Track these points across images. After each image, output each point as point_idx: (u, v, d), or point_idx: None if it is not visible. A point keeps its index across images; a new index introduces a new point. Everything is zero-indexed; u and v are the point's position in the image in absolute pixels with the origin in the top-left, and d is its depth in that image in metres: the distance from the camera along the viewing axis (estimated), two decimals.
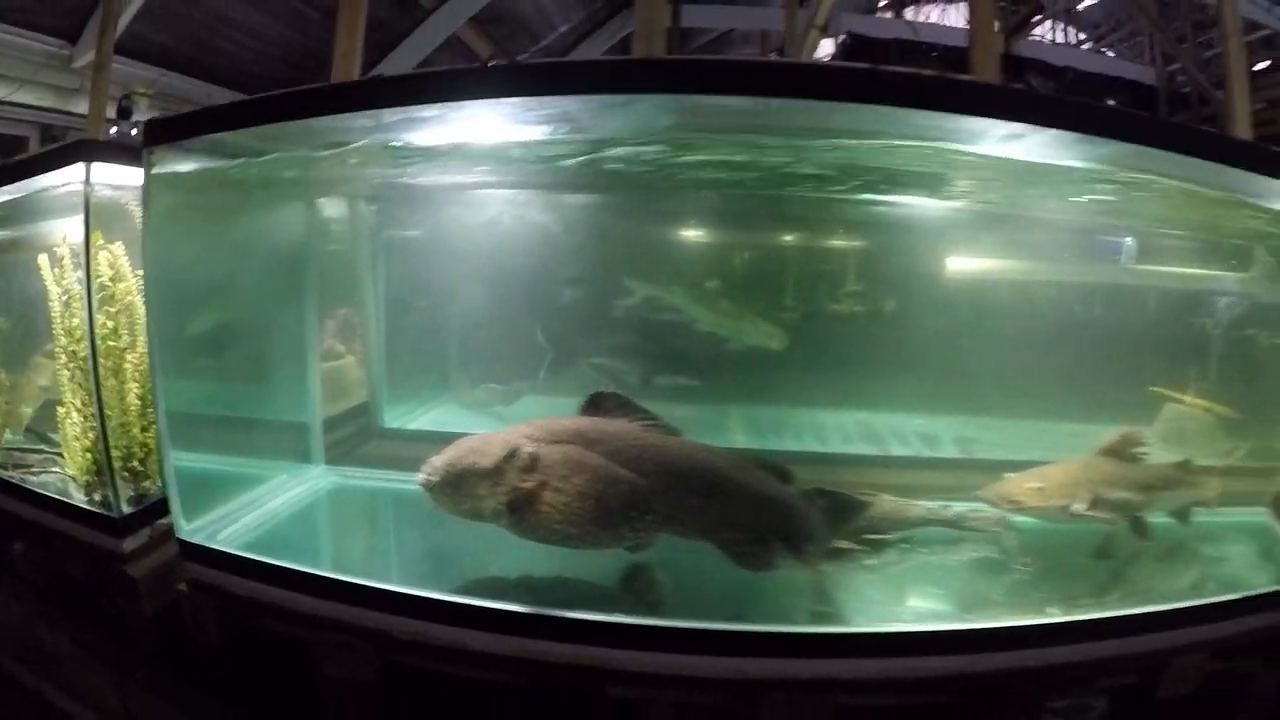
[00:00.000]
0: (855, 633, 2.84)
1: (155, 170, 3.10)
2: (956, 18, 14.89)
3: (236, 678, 3.29)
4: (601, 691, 2.60)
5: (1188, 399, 5.03)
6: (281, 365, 3.97)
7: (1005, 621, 3.03)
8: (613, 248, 4.77)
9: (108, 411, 3.43)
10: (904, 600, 3.32)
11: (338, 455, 4.07)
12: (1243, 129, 5.80)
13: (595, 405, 2.91)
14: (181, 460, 3.18)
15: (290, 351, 3.95)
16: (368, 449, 4.22)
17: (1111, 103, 12.84)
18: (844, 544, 3.35)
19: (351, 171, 3.87)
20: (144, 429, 3.56)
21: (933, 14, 15.09)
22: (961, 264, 4.96)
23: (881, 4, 14.93)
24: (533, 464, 2.67)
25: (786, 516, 2.92)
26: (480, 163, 3.79)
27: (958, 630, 2.91)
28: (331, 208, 4.38)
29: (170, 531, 3.21)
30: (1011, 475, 3.72)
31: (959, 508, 3.72)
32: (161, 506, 3.34)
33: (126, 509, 3.42)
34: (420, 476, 2.83)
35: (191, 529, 3.15)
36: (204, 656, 3.27)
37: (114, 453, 3.45)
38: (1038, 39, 14.53)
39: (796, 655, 2.64)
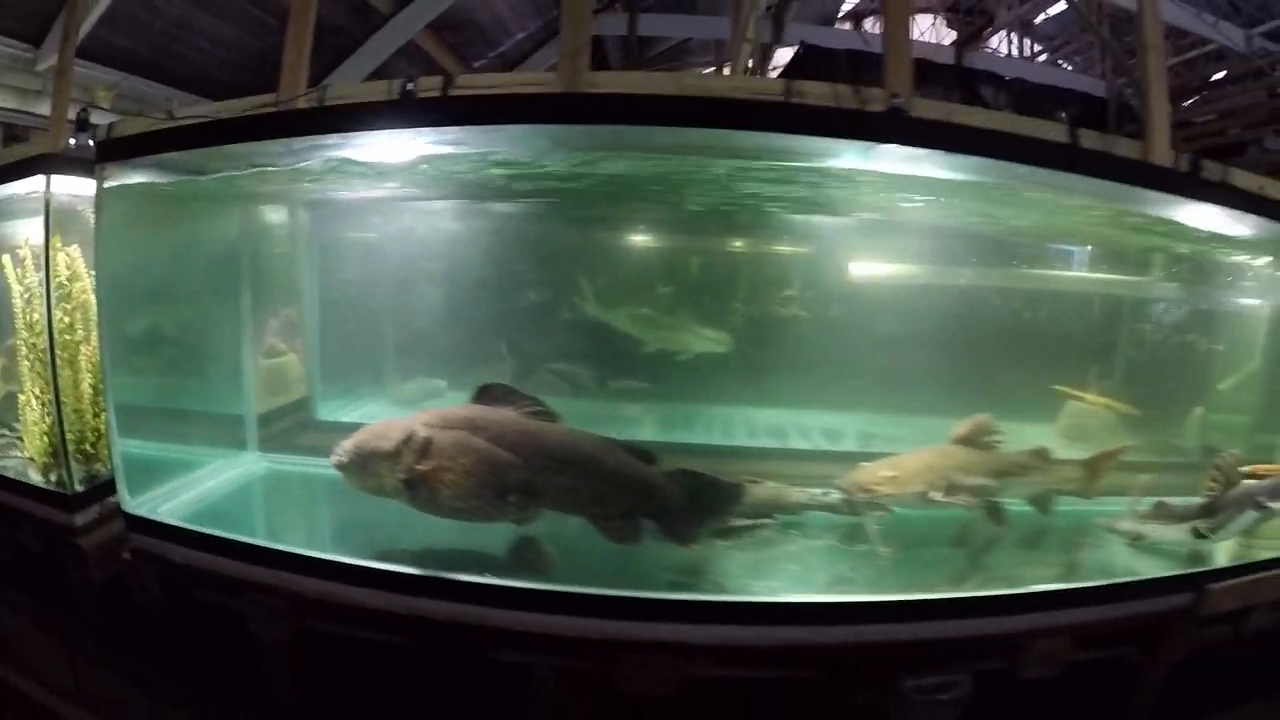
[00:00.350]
0: (705, 600, 3.22)
1: (106, 183, 3.57)
2: (914, 31, 15.42)
3: (178, 646, 3.72)
4: (477, 644, 3.05)
5: (1088, 396, 5.41)
6: (219, 362, 4.40)
7: (854, 596, 3.41)
8: (542, 255, 5.24)
9: (63, 399, 3.88)
10: (766, 575, 3.59)
11: (273, 444, 4.51)
12: (1161, 140, 6.16)
13: (484, 395, 3.40)
14: (128, 443, 3.64)
15: (227, 350, 4.38)
16: (302, 439, 4.63)
17: (1062, 114, 13.37)
18: (736, 522, 3.74)
19: (285, 185, 4.32)
20: (96, 415, 4.01)
21: None
22: (872, 272, 5.44)
23: (841, 15, 15.37)
24: (426, 447, 3.16)
25: (647, 495, 3.38)
26: (409, 177, 4.23)
27: (805, 603, 3.28)
28: (269, 217, 4.81)
29: (118, 508, 3.64)
30: (866, 464, 3.94)
31: (837, 496, 3.95)
32: (110, 486, 3.75)
33: (79, 488, 3.86)
34: (332, 458, 3.32)
35: (136, 503, 3.61)
36: (147, 626, 3.70)
37: (68, 436, 3.90)
38: (990, 51, 14.99)
39: (650, 619, 3.02)
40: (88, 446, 4.01)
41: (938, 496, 3.90)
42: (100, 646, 3.99)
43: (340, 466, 3.31)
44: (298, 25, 5.39)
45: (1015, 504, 4.30)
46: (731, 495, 3.68)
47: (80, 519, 3.82)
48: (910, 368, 4.92)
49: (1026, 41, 16.15)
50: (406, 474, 3.15)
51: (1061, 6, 14.83)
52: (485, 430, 3.22)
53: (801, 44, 12.65)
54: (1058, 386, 5.40)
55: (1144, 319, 5.83)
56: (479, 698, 3.28)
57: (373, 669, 3.44)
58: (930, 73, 13.68)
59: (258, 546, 3.27)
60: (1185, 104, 14.43)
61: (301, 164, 3.86)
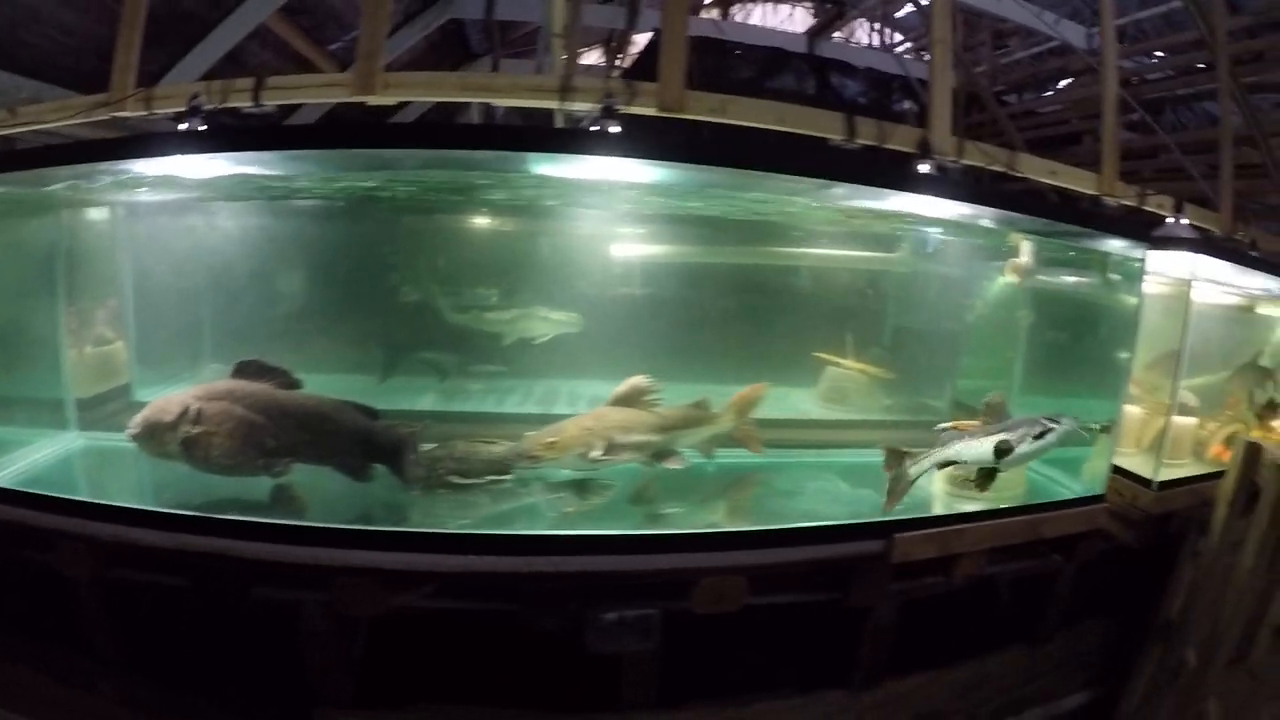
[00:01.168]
0: (403, 531, 4.02)
1: None
2: (775, 18, 16.52)
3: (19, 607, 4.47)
4: (229, 574, 3.87)
5: (845, 362, 6.36)
6: (42, 353, 5.12)
7: (535, 530, 4.21)
8: (352, 250, 6.03)
9: None
10: (466, 515, 4.35)
11: (92, 424, 5.25)
12: (941, 127, 6.84)
13: (242, 370, 4.37)
14: None
15: (48, 342, 5.11)
16: (119, 419, 5.08)
17: (908, 104, 14.53)
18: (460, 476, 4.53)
19: (96, 193, 5.11)
20: None
21: (755, 13, 16.55)
22: (663, 258, 6.41)
23: (706, 2, 16.12)
24: (198, 417, 4.12)
25: (373, 445, 4.38)
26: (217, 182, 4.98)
27: (490, 535, 4.02)
28: (86, 216, 5.51)
29: None
30: (530, 433, 4.57)
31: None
32: None
33: None
34: (127, 431, 4.25)
35: None
36: None
37: None
38: (846, 41, 16.03)
39: (356, 547, 3.82)
40: None
41: (598, 455, 4.50)
42: None
43: (134, 438, 4.25)
44: (128, 28, 6.12)
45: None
46: (409, 445, 4.45)
47: None
48: (697, 342, 5.90)
49: (889, 33, 17.16)
50: (183, 440, 4.11)
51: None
52: (243, 400, 4.21)
53: (655, 30, 13.41)
54: (817, 354, 6.37)
55: (899, 294, 6.84)
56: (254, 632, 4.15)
57: (169, 613, 4.25)
58: (784, 61, 14.76)
59: (62, 499, 4.10)
60: (1032, 96, 15.76)
61: (105, 180, 4.70)
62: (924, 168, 5.01)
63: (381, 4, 6.05)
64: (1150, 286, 5.24)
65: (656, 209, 5.79)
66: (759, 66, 14.64)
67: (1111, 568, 5.35)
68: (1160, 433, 5.48)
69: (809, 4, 16.43)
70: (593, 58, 15.63)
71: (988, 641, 5.08)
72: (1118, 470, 5.34)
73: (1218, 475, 5.28)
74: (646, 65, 13.16)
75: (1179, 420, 5.74)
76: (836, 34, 15.85)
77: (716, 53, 14.05)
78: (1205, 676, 4.69)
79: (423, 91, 6.37)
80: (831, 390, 6.44)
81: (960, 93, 14.92)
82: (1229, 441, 5.84)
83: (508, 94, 6.14)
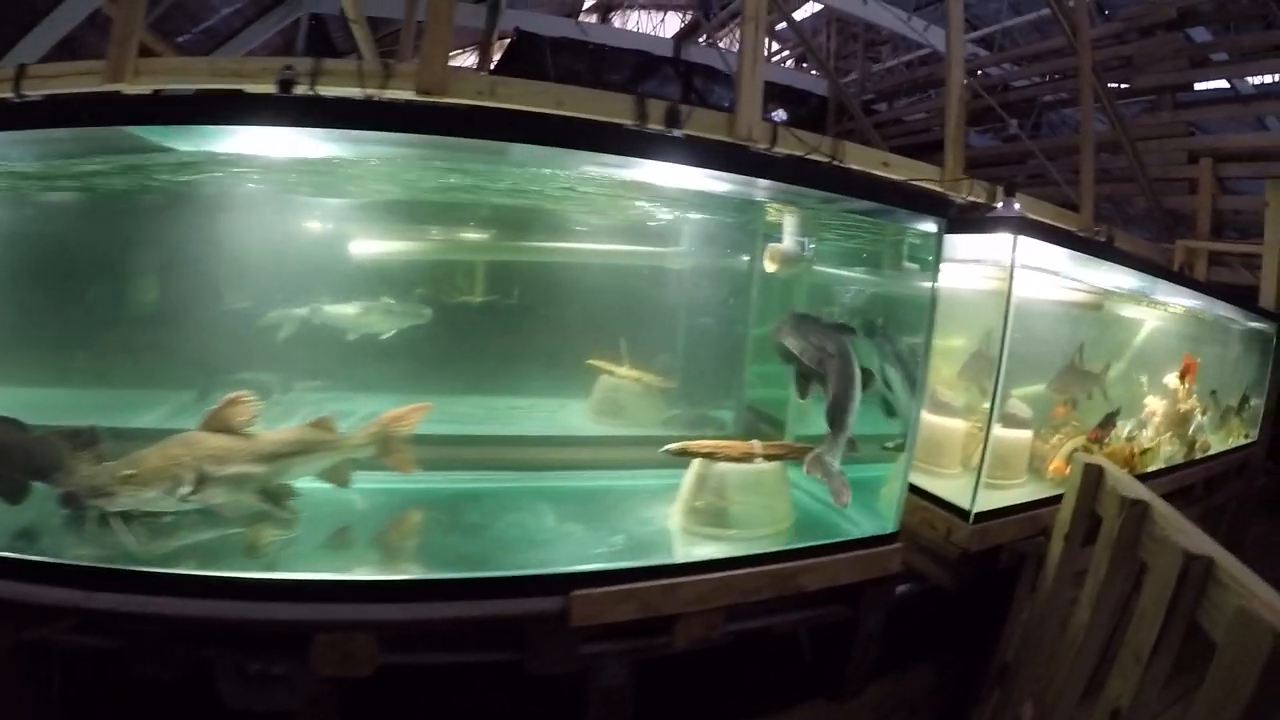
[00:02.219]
0: (32, 561, 3.33)
1: None
2: (649, 23, 16.70)
3: None
4: None
5: (619, 370, 5.66)
6: None
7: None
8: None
9: None
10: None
11: None
12: (750, 110, 6.74)
13: None
14: None
15: None
16: None
17: (781, 111, 14.71)
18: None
19: None
20: None
21: (632, 18, 16.73)
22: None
23: (587, 6, 16.25)
24: None
25: (22, 460, 4.18)
26: None
27: (98, 568, 3.33)
28: None
29: None
30: (107, 464, 3.71)
31: None
32: None
33: None
34: None
35: None
36: None
37: None
38: (726, 49, 16.17)
39: None
40: None
41: (186, 492, 3.65)
42: None
43: None
44: None
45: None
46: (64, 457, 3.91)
47: None
48: (483, 352, 5.34)
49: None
50: None
51: (801, 14, 16.15)
52: None
53: (515, 30, 13.54)
54: (590, 361, 5.65)
55: (680, 292, 6.09)
56: None
57: None
58: (654, 66, 14.95)
59: None
60: (903, 104, 16.03)
61: None
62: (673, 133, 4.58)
63: None
64: (976, 280, 4.74)
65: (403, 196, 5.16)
66: (630, 70, 14.80)
67: (941, 605, 4.74)
68: (980, 451, 4.65)
69: (679, 10, 16.62)
70: (469, 59, 15.68)
71: (784, 695, 4.46)
72: (930, 498, 4.68)
73: (1057, 499, 4.47)
74: (508, 63, 13.26)
75: (1010, 434, 5.06)
76: (722, 43, 16.02)
77: (583, 55, 14.19)
78: None
79: (173, 78, 6.30)
80: (603, 402, 5.74)
81: (831, 100, 15.30)
82: (1071, 458, 4.95)
83: (258, 79, 6.07)
